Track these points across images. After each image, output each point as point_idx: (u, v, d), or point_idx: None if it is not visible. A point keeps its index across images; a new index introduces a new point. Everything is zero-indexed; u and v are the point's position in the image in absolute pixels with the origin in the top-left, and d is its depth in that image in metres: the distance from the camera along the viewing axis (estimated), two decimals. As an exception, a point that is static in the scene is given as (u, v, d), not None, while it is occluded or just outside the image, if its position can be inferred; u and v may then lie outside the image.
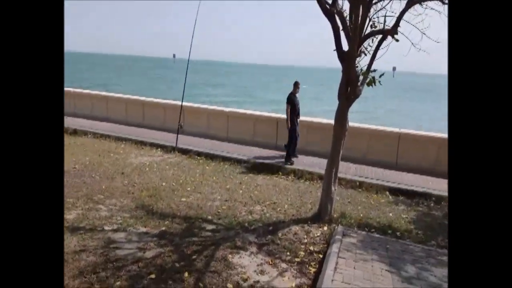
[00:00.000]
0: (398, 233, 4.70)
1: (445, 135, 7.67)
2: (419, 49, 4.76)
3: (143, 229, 4.23)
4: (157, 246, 3.82)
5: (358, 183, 6.60)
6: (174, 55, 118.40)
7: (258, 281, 3.28)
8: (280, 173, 7.06)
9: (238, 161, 7.55)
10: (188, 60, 8.45)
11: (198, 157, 7.80)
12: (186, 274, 3.26)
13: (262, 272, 3.45)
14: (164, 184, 5.77)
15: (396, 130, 7.96)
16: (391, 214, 5.40)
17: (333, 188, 5.00)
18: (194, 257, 3.55)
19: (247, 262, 3.62)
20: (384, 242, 4.15)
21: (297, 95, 7.50)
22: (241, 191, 5.84)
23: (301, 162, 7.66)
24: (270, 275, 3.43)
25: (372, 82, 4.85)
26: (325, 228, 4.72)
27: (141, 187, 5.66)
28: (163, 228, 4.27)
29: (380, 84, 4.89)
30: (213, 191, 5.72)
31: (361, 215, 5.26)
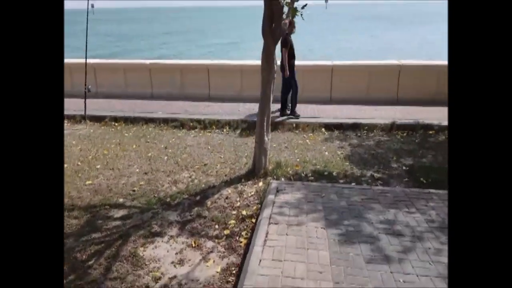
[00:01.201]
0: (334, 173, 4.38)
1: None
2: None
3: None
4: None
5: (294, 125, 6.14)
6: (92, 5, 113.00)
7: (174, 276, 2.70)
8: (214, 127, 6.32)
9: (164, 121, 6.60)
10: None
11: (115, 124, 6.69)
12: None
13: (181, 262, 2.86)
14: (66, 166, 4.75)
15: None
16: (327, 153, 5.08)
17: (266, 138, 4.41)
18: (90, 262, 2.82)
19: (164, 252, 2.99)
20: (320, 191, 3.75)
21: (292, 35, 6.27)
22: (166, 158, 5.05)
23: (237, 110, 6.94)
24: (192, 262, 2.86)
25: (295, 12, 4.22)
26: (260, 184, 4.21)
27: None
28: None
29: (303, 19, 4.25)
30: (130, 164, 4.86)
31: (298, 159, 4.84)
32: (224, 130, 6.22)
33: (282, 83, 6.37)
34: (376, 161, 4.79)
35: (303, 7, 4.23)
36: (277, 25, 4.04)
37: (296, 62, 6.42)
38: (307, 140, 5.56)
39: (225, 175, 4.49)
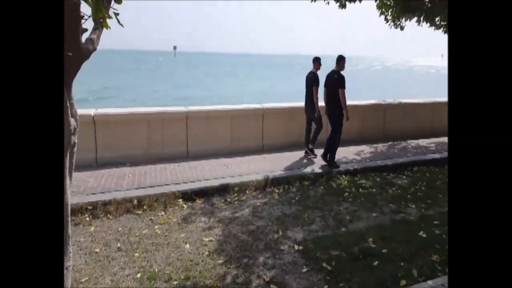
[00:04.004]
0: (207, 292, 2.65)
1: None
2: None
3: None
4: None
5: (135, 202, 4.17)
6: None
7: None
8: None
9: None
10: None
11: None
12: None
13: None
14: None
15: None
16: (188, 247, 3.34)
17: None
18: None
19: None
20: None
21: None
22: None
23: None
24: None
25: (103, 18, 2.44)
26: None
27: None
28: None
29: (122, 26, 2.58)
30: None
31: (138, 275, 2.89)
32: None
33: (311, 122, 6.00)
34: (259, 243, 3.36)
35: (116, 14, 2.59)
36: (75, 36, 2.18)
37: (142, 109, 4.59)
38: (157, 227, 3.67)
39: None
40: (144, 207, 4.08)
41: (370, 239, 3.36)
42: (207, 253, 3.18)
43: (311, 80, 5.75)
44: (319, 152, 5.68)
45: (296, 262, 3.05)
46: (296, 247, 3.27)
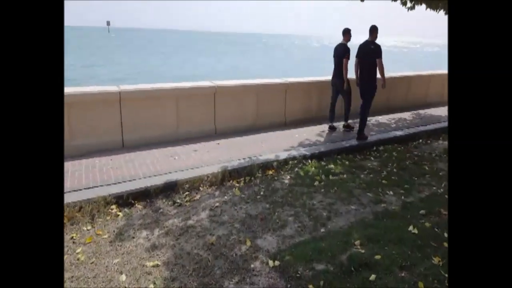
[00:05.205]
0: None
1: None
2: None
3: None
4: None
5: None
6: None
7: None
8: None
9: None
10: None
11: None
12: None
13: None
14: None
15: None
16: (123, 277, 2.42)
17: None
18: None
19: None
20: None
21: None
22: None
23: None
24: None
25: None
26: None
27: None
28: None
29: None
30: None
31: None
32: None
33: (337, 95, 6.00)
34: (223, 262, 2.57)
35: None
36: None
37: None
38: (79, 250, 2.67)
39: None
40: (65, 222, 3.02)
41: (357, 241, 2.78)
42: (152, 286, 2.31)
43: (342, 52, 5.60)
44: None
45: (274, 286, 2.34)
46: (271, 262, 2.56)
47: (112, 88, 4.96)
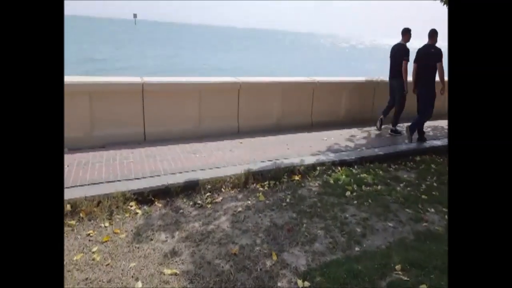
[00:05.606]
0: None
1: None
2: None
3: None
4: None
5: (66, 214, 2.95)
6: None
7: None
8: None
9: None
10: None
11: None
12: None
13: None
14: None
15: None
16: (139, 285, 2.22)
17: None
18: None
19: None
20: None
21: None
22: None
23: None
24: None
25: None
26: None
27: None
28: None
29: None
30: None
31: None
32: None
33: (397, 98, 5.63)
34: (247, 277, 2.32)
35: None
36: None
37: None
38: (95, 249, 2.50)
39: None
40: (79, 217, 2.86)
41: (397, 266, 2.46)
42: (168, 299, 2.09)
43: (401, 53, 5.35)
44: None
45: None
46: (300, 282, 2.28)
47: (135, 79, 4.80)
